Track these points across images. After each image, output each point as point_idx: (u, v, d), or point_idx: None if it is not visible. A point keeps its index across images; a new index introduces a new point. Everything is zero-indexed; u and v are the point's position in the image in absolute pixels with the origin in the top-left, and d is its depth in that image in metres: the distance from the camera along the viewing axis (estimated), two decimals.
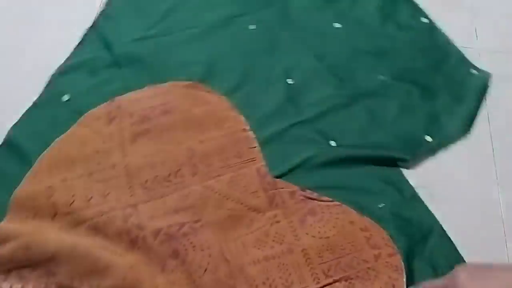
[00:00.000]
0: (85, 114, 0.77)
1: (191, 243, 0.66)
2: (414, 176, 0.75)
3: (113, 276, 0.62)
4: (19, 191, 0.69)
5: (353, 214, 0.69)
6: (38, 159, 0.72)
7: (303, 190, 0.71)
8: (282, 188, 0.71)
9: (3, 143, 0.75)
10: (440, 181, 0.75)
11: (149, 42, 0.87)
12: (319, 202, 0.70)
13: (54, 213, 0.67)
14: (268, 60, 0.86)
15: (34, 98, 0.80)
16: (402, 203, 0.72)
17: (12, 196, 0.69)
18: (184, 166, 0.72)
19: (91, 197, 0.69)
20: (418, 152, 0.78)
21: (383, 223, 0.69)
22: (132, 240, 0.65)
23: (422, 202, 0.72)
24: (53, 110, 0.79)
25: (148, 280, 0.63)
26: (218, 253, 0.65)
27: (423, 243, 0.69)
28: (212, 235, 0.66)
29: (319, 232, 0.67)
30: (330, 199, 0.70)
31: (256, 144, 0.75)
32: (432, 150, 0.78)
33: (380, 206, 0.71)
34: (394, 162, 0.76)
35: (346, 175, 0.74)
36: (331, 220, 0.68)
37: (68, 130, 0.76)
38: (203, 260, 0.64)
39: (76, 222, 0.67)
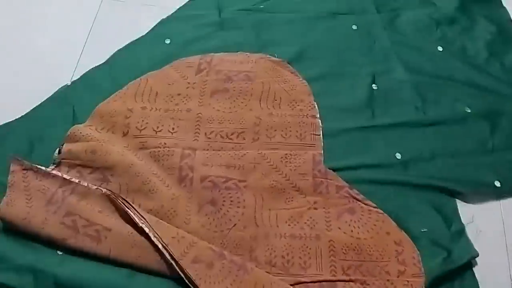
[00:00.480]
0: (180, 60, 0.84)
1: (230, 197, 0.70)
2: (468, 211, 0.73)
3: (155, 201, 0.68)
4: (103, 105, 0.78)
5: (392, 226, 0.69)
6: (128, 84, 0.81)
7: (350, 188, 0.72)
8: (331, 180, 0.72)
9: (105, 62, 0.85)
10: (493, 225, 0.72)
11: (254, 15, 0.93)
12: (362, 204, 0.70)
13: (125, 132, 0.75)
14: (360, 61, 0.88)
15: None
16: (446, 234, 0.70)
17: (96, 107, 0.78)
18: (248, 131, 0.76)
19: (160, 130, 0.75)
20: (482, 192, 0.75)
21: (419, 245, 0.68)
22: (181, 177, 0.71)
23: (467, 240, 0.70)
24: (154, 48, 0.87)
25: (182, 215, 0.68)
26: (251, 216, 0.69)
27: (451, 279, 0.66)
28: (251, 198, 0.70)
29: (351, 231, 0.68)
30: (374, 205, 0.71)
31: (320, 133, 0.77)
32: (497, 195, 0.75)
33: (422, 230, 0.70)
34: (453, 193, 0.74)
35: (399, 190, 0.73)
36: (368, 225, 0.69)
37: (161, 69, 0.83)
38: (235, 217, 0.68)
39: (141, 146, 0.74)
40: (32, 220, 0.66)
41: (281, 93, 0.80)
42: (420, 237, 0.69)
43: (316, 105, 0.80)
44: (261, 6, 0.94)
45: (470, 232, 0.71)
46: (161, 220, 0.67)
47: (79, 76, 0.83)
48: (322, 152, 0.75)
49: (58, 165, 0.72)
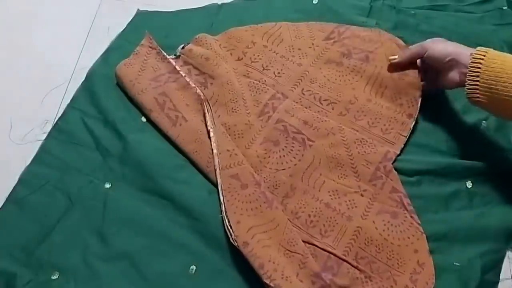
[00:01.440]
0: (317, 22, 0.89)
1: (292, 146, 0.74)
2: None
3: (232, 118, 0.77)
4: (235, 30, 0.87)
5: (424, 247, 0.67)
6: (265, 23, 0.88)
7: (405, 196, 0.71)
8: (391, 179, 0.72)
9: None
10: None
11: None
12: (408, 215, 0.69)
13: (240, 58, 0.84)
14: None
15: None
16: (476, 278, 0.65)
17: (229, 29, 0.87)
18: (340, 104, 0.79)
19: (268, 69, 0.83)
20: None
21: (442, 277, 0.65)
22: (262, 112, 0.78)
23: None
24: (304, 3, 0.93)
25: (247, 140, 0.75)
26: (301, 170, 0.73)
27: None
28: (310, 157, 0.74)
29: (383, 230, 0.68)
30: (419, 221, 0.69)
31: (407, 135, 0.76)
32: None
33: (456, 263, 0.67)
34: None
35: (452, 218, 0.70)
36: (403, 234, 0.68)
37: (297, 23, 0.89)
38: (288, 164, 0.73)
39: (245, 74, 0.82)
40: (136, 85, 0.79)
41: (388, 81, 0.80)
42: (448, 269, 0.66)
43: (419, 102, 0.77)
44: None
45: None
46: (227, 134, 0.75)
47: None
48: (398, 152, 0.74)
49: (177, 57, 0.85)
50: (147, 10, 0.91)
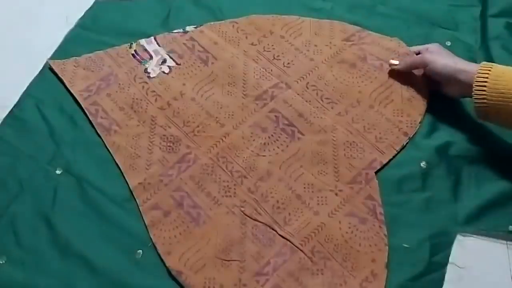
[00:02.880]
0: (340, 23, 0.86)
1: (279, 137, 0.74)
2: (461, 254, 0.65)
3: (227, 97, 0.78)
4: (257, 17, 0.87)
5: (382, 260, 0.64)
6: (291, 15, 0.88)
7: (380, 206, 0.68)
8: (370, 187, 0.70)
9: None
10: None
11: None
12: (377, 225, 0.67)
13: (253, 44, 0.84)
14: None
15: None
16: (424, 260, 0.64)
17: (251, 15, 0.87)
18: (340, 105, 0.77)
19: (279, 59, 0.82)
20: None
21: (393, 258, 0.64)
22: (259, 98, 0.78)
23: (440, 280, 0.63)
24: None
25: (237, 120, 0.75)
26: (282, 159, 0.72)
27: None
28: (294, 149, 0.73)
29: (347, 233, 0.66)
30: (386, 235, 0.66)
31: (398, 150, 0.73)
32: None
33: (405, 245, 0.65)
34: None
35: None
36: (366, 240, 0.65)
37: (321, 20, 0.87)
38: (270, 151, 0.73)
39: (255, 59, 0.82)
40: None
41: (396, 97, 0.78)
42: (398, 250, 0.64)
43: (418, 127, 0.75)
44: None
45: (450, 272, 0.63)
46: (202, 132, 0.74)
47: None
48: (384, 164, 0.72)
49: (184, 32, 0.85)
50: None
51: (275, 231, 0.66)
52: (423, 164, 0.71)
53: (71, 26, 0.87)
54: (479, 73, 0.66)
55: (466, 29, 0.85)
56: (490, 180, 0.70)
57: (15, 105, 0.77)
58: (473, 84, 0.66)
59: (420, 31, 0.85)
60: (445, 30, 0.85)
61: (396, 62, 0.78)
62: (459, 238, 0.66)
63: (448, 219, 0.67)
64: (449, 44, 0.82)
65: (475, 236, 0.66)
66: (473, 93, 0.66)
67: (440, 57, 0.72)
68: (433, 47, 0.75)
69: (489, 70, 0.65)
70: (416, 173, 0.71)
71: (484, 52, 0.82)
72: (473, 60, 0.77)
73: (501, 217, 0.67)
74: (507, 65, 0.67)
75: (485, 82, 0.65)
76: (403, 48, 0.82)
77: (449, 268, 0.64)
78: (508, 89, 0.63)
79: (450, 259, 0.64)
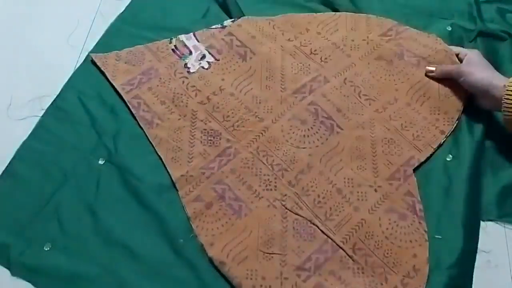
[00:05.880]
0: (377, 17, 0.86)
1: (319, 130, 0.74)
2: (492, 239, 0.66)
3: (266, 91, 0.78)
4: (293, 15, 0.87)
5: (424, 254, 0.64)
6: (326, 12, 0.88)
7: (419, 202, 0.68)
8: (409, 184, 0.70)
9: None
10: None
11: None
12: (417, 221, 0.67)
13: (290, 39, 0.84)
14: None
15: None
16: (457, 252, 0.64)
17: (287, 14, 0.87)
18: (378, 102, 0.77)
19: (316, 54, 0.82)
20: None
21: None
22: (298, 91, 0.78)
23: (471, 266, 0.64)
24: None
25: (276, 113, 0.76)
26: (322, 152, 0.72)
27: None
28: (334, 142, 0.73)
29: (387, 229, 0.66)
30: (426, 229, 0.66)
31: (435, 148, 0.73)
32: None
33: (437, 236, 0.65)
34: None
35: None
36: (406, 236, 0.65)
37: (357, 14, 0.87)
38: (310, 144, 0.73)
39: (292, 54, 0.82)
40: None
41: (432, 93, 0.77)
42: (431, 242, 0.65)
43: (455, 124, 0.75)
44: None
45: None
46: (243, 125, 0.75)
47: None
48: (422, 161, 0.72)
49: (222, 27, 0.85)
50: None
51: (316, 226, 0.66)
52: (448, 158, 0.73)
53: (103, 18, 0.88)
54: (509, 86, 0.66)
55: (463, 15, 0.88)
56: (507, 167, 0.72)
57: (57, 96, 0.78)
58: (503, 99, 0.66)
59: (419, 23, 0.85)
60: (444, 20, 0.87)
61: (432, 68, 0.78)
62: (482, 225, 0.67)
63: (473, 207, 0.69)
64: (449, 29, 0.85)
65: (498, 221, 0.68)
66: (502, 108, 0.67)
67: (476, 70, 0.71)
68: (472, 56, 0.74)
69: None
70: (441, 165, 0.72)
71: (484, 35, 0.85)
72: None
73: None
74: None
75: None
76: (441, 45, 0.81)
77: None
78: None
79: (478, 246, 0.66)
